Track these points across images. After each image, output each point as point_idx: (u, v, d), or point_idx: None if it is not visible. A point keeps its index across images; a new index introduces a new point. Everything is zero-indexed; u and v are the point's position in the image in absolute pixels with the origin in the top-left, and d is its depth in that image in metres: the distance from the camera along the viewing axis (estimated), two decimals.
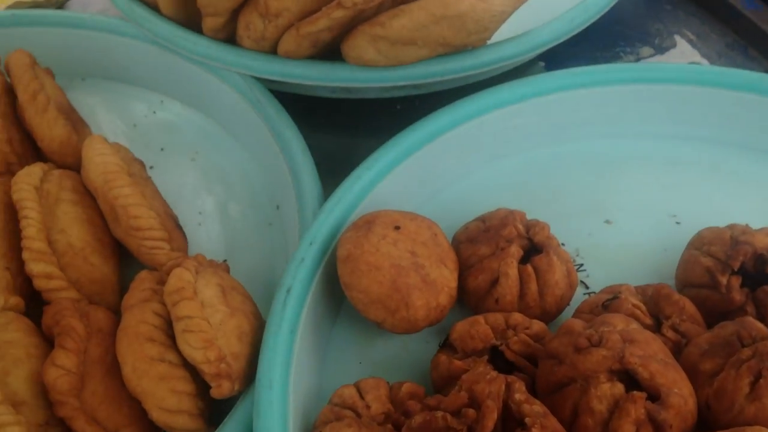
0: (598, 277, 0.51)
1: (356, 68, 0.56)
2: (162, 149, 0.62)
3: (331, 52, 0.58)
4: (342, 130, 0.66)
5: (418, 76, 0.56)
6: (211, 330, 0.41)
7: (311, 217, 0.50)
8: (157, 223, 0.50)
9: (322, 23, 0.53)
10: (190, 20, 0.62)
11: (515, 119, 0.56)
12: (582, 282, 0.51)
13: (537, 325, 0.44)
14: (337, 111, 0.66)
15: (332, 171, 0.56)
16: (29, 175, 0.51)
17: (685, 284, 0.47)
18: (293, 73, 0.56)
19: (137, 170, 0.54)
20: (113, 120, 0.65)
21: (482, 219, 0.50)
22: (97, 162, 0.52)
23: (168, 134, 0.63)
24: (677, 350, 0.42)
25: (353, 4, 0.51)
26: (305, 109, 0.61)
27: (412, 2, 0.53)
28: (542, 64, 0.69)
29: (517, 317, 0.44)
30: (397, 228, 0.46)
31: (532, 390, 0.40)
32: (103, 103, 0.66)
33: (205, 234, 0.56)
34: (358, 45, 0.54)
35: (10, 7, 0.75)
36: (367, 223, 0.46)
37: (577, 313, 0.46)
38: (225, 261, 0.53)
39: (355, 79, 0.56)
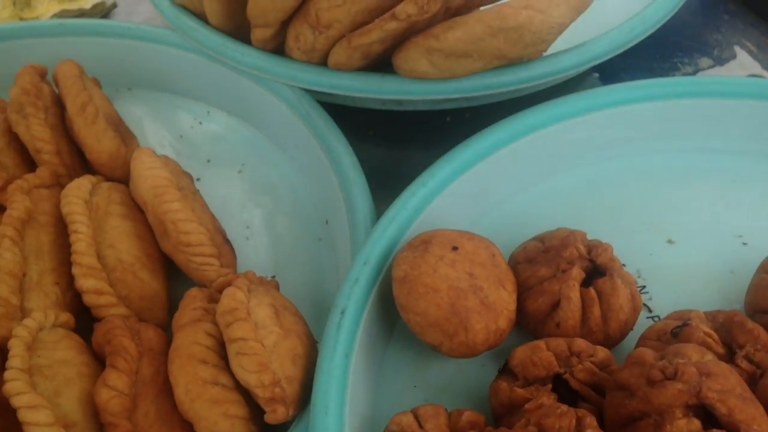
0: (661, 299, 0.49)
1: (408, 81, 0.54)
2: (209, 161, 0.61)
3: (381, 63, 0.56)
4: (391, 142, 0.65)
5: (472, 89, 0.55)
6: (265, 353, 0.40)
7: (363, 233, 0.49)
8: (206, 238, 0.49)
9: (375, 35, 0.52)
10: (238, 29, 0.61)
11: (572, 134, 0.54)
12: (645, 305, 0.49)
13: (602, 352, 0.42)
14: (386, 123, 0.64)
15: (382, 184, 0.55)
16: (78, 188, 0.51)
17: (756, 310, 0.45)
18: (344, 86, 0.55)
19: (186, 184, 0.53)
20: (159, 131, 0.64)
21: (541, 239, 0.48)
22: (147, 176, 0.51)
23: (215, 146, 0.63)
24: (752, 382, 0.40)
25: (407, 15, 0.50)
26: (353, 120, 0.60)
27: (468, 14, 0.52)
28: (596, 75, 0.67)
29: (581, 343, 0.42)
30: (455, 248, 0.45)
31: (601, 422, 0.38)
32: (149, 114, 0.66)
33: (253, 248, 0.55)
34: (411, 57, 0.53)
35: (56, 16, 0.75)
36: (424, 242, 0.45)
37: (643, 340, 0.44)
38: (273, 277, 0.51)
39: (408, 91, 0.55)
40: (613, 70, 0.66)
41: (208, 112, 0.65)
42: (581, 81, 0.66)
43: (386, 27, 0.51)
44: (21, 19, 0.76)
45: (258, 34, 0.57)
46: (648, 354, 0.39)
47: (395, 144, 0.65)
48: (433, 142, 0.65)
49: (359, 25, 0.54)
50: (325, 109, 0.58)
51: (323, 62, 0.57)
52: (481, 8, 0.52)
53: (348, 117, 0.59)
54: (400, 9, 0.50)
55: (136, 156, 0.53)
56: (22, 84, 0.56)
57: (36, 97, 0.55)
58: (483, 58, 0.52)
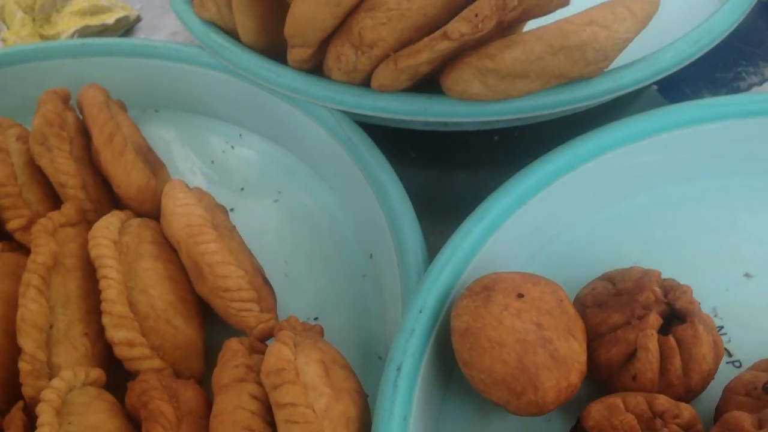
0: (741, 342, 0.45)
1: (459, 102, 0.50)
2: (242, 189, 0.58)
3: (426, 81, 0.52)
4: (434, 162, 0.61)
5: (528, 110, 0.50)
6: (317, 420, 0.36)
7: (415, 274, 0.45)
8: (245, 282, 0.45)
9: (424, 56, 0.47)
10: (271, 46, 0.57)
11: (638, 157, 0.50)
12: (724, 348, 0.45)
13: (687, 412, 0.38)
14: (429, 143, 0.60)
15: (428, 208, 0.51)
16: (107, 228, 0.47)
17: None
18: (389, 108, 0.51)
19: (221, 221, 0.50)
20: (189, 156, 0.60)
21: (610, 279, 0.44)
22: (180, 213, 0.47)
23: (248, 172, 0.59)
24: None
25: (460, 35, 0.46)
26: (393, 140, 0.56)
27: (525, 32, 0.48)
28: (655, 87, 0.62)
29: (664, 402, 0.38)
30: (520, 295, 0.41)
31: None
32: (178, 138, 0.62)
33: (293, 286, 0.51)
34: (463, 78, 0.48)
35: (78, 32, 0.72)
36: (486, 289, 0.41)
37: (730, 394, 0.40)
38: (317, 320, 0.48)
39: (459, 113, 0.50)
40: (672, 80, 0.61)
41: (240, 135, 0.61)
42: (639, 94, 0.62)
43: (437, 47, 0.47)
44: (41, 35, 0.73)
45: (295, 54, 0.53)
46: (745, 420, 0.35)
47: (439, 165, 0.61)
48: (480, 162, 0.61)
49: (405, 43, 0.50)
50: (362, 128, 0.54)
51: (365, 83, 0.53)
52: (540, 25, 0.48)
53: (388, 137, 0.55)
54: (452, 28, 0.46)
55: (168, 191, 0.49)
56: (45, 113, 0.52)
57: (60, 128, 0.52)
58: (541, 78, 0.48)
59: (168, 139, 0.62)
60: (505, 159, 0.61)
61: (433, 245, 0.49)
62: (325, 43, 0.52)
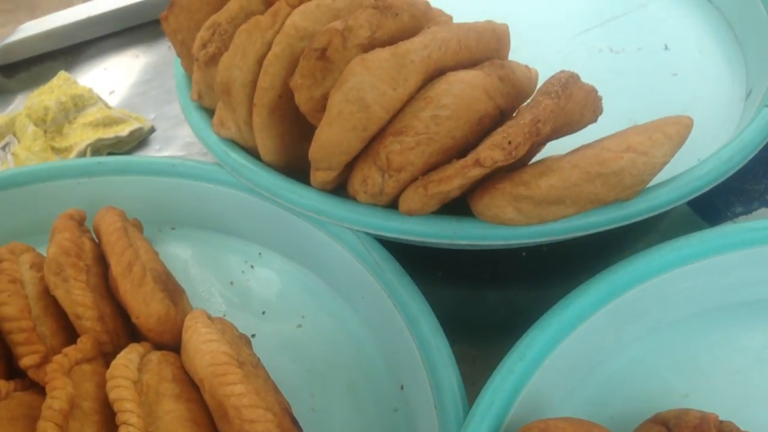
0: None
1: (490, 226, 0.49)
2: (263, 312, 0.56)
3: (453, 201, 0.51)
4: (461, 280, 0.59)
5: (561, 232, 0.49)
6: None
7: (453, 415, 0.43)
8: (274, 426, 0.43)
9: (456, 183, 0.46)
10: (290, 164, 0.56)
11: (682, 283, 0.48)
12: None
13: None
14: (455, 261, 0.59)
15: (457, 330, 0.50)
16: (126, 367, 0.45)
17: None
18: (418, 232, 0.50)
19: (246, 356, 0.47)
20: (208, 277, 0.58)
21: (664, 422, 0.41)
22: (204, 351, 0.45)
23: (269, 294, 0.57)
24: None
25: (493, 162, 0.45)
26: (417, 259, 0.54)
27: (559, 157, 0.47)
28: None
29: None
30: None
31: None
32: (195, 257, 0.60)
33: (321, 422, 0.49)
34: (496, 204, 0.47)
35: (91, 146, 0.71)
36: None
37: None
38: None
39: (491, 237, 0.49)
40: (702, 194, 0.60)
41: (260, 254, 0.59)
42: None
43: (469, 174, 0.46)
44: (52, 148, 0.72)
45: (319, 176, 0.52)
46: None
47: (466, 283, 0.59)
48: (508, 279, 0.59)
49: (433, 166, 0.49)
50: (385, 245, 0.52)
51: (391, 205, 0.51)
52: (572, 150, 0.47)
53: (412, 255, 0.53)
54: (485, 156, 0.45)
55: (191, 324, 0.47)
56: (62, 242, 0.50)
57: (77, 257, 0.50)
58: (576, 203, 0.47)
59: (185, 258, 0.60)
60: (534, 275, 0.59)
61: (465, 373, 0.46)
62: (349, 165, 0.51)
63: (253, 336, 0.53)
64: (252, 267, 0.59)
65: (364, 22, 0.49)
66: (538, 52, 0.69)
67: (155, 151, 0.73)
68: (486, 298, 0.58)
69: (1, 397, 0.45)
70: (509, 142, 0.45)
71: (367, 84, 0.47)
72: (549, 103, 0.46)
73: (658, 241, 0.53)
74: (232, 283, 0.58)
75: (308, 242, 0.56)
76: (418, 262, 0.53)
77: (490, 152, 0.45)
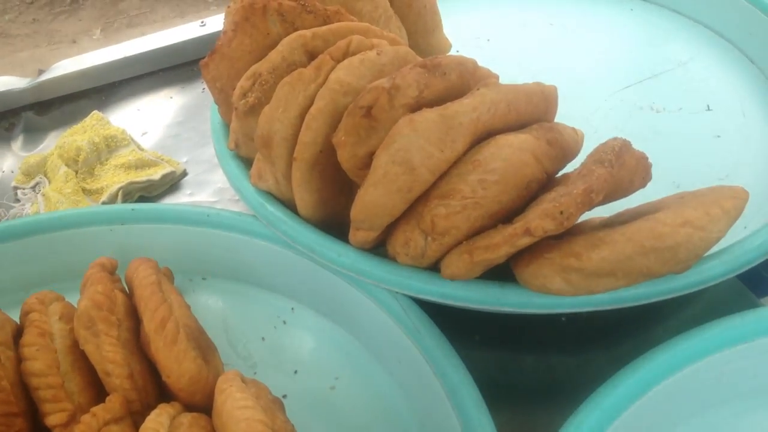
0: None
1: (535, 294, 0.47)
2: (295, 372, 0.54)
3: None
4: (499, 344, 0.57)
5: (608, 302, 0.47)
6: None
7: None
8: None
9: (503, 251, 0.45)
10: (326, 219, 0.55)
11: (732, 363, 0.46)
12: None
13: None
14: (493, 324, 0.57)
15: (496, 397, 0.48)
16: (157, 431, 0.43)
17: None
18: (461, 297, 0.48)
19: (281, 423, 0.46)
20: (239, 331, 0.57)
21: None
22: (239, 418, 0.43)
23: (302, 352, 0.55)
24: None
25: (544, 232, 0.43)
26: (455, 320, 0.52)
27: (613, 230, 0.45)
28: None
29: None
30: None
31: None
32: (226, 309, 0.59)
33: None
34: (544, 274, 0.46)
35: (123, 189, 0.70)
36: None
37: None
38: None
39: (536, 305, 0.48)
40: None
41: (293, 308, 0.58)
42: None
43: (518, 243, 0.44)
44: (83, 189, 0.71)
45: (360, 236, 0.50)
46: None
47: (504, 347, 0.57)
48: (547, 345, 0.57)
49: (477, 230, 0.48)
50: (420, 305, 0.51)
51: (432, 267, 0.50)
52: (627, 223, 0.45)
53: (447, 317, 0.51)
54: (536, 225, 0.43)
55: (225, 388, 0.45)
56: (94, 296, 0.49)
57: (109, 311, 0.49)
58: (628, 277, 0.45)
59: (215, 309, 0.59)
60: (574, 339, 0.57)
61: None
62: (390, 225, 0.50)
63: (284, 396, 0.51)
64: (284, 323, 0.57)
65: (412, 82, 0.48)
66: (577, 108, 0.68)
67: (187, 196, 0.72)
68: (525, 362, 0.56)
69: None
70: (561, 212, 0.43)
71: (415, 145, 0.46)
72: (603, 172, 0.44)
73: (703, 311, 0.51)
74: (263, 338, 0.56)
75: (343, 300, 0.54)
76: (454, 324, 0.52)
77: (541, 222, 0.43)
